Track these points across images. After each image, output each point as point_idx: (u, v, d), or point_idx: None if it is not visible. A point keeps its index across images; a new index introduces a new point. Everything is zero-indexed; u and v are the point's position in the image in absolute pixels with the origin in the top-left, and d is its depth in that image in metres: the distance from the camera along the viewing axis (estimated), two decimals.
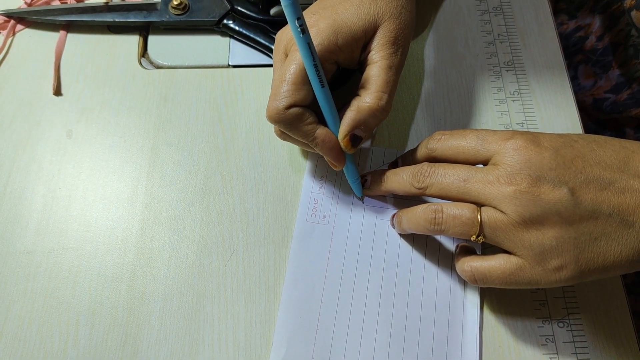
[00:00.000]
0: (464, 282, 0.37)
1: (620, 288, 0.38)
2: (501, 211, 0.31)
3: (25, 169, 0.42)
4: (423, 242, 0.39)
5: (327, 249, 0.39)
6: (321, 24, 0.34)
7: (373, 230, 0.39)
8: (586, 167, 0.31)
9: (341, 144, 0.35)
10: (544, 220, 0.30)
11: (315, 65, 0.32)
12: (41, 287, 0.38)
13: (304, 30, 0.30)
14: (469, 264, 0.33)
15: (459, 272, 0.35)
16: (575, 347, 0.36)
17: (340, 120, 0.35)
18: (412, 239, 0.39)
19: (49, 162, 0.42)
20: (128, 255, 0.39)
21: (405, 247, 0.39)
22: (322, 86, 0.33)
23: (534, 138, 0.32)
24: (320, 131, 0.34)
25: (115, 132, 0.44)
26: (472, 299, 0.37)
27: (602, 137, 0.33)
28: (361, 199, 0.40)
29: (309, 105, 0.34)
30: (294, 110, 0.33)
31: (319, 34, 0.34)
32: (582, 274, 0.30)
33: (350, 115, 0.34)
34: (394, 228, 0.39)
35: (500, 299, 0.37)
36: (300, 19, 0.30)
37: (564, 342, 0.36)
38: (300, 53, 0.32)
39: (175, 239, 0.39)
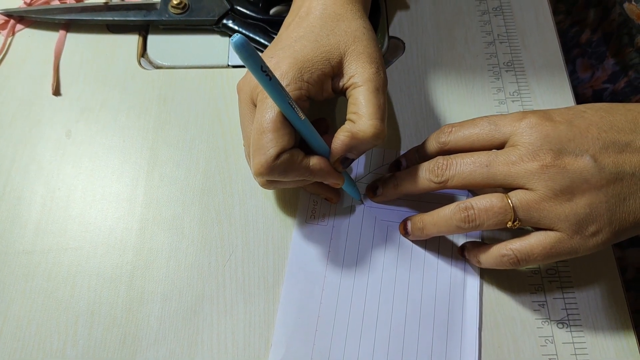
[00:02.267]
0: (463, 283, 0.37)
1: (620, 286, 0.38)
2: (530, 189, 0.32)
3: (24, 169, 0.42)
4: (422, 242, 0.39)
5: (327, 249, 0.39)
6: (283, 65, 0.33)
7: (372, 231, 0.39)
8: (601, 134, 0.32)
9: (332, 165, 0.35)
10: (574, 189, 0.31)
11: (290, 104, 0.31)
12: (40, 287, 0.38)
13: (270, 75, 0.29)
14: (509, 248, 0.33)
15: (493, 260, 0.34)
16: (575, 348, 0.36)
17: (331, 141, 0.34)
18: (412, 240, 0.39)
19: (48, 162, 0.42)
20: (127, 256, 0.39)
21: (404, 247, 0.39)
22: (302, 118, 0.32)
23: (545, 114, 0.34)
24: (314, 162, 0.33)
25: (115, 132, 0.44)
26: (472, 299, 0.37)
27: (606, 104, 0.34)
28: (360, 201, 0.40)
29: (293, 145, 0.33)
30: (284, 156, 0.32)
31: (283, 75, 0.33)
32: (617, 235, 0.32)
33: (343, 140, 0.33)
34: (407, 235, 0.38)
35: (500, 299, 0.37)
36: (263, 65, 0.28)
37: (563, 342, 0.36)
38: (272, 98, 0.31)
39: (175, 239, 0.39)
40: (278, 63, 0.33)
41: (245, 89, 0.35)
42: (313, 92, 0.34)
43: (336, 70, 0.34)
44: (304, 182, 0.35)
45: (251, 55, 0.27)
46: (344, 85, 0.35)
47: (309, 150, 0.34)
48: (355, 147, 0.33)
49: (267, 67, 0.28)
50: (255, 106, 0.34)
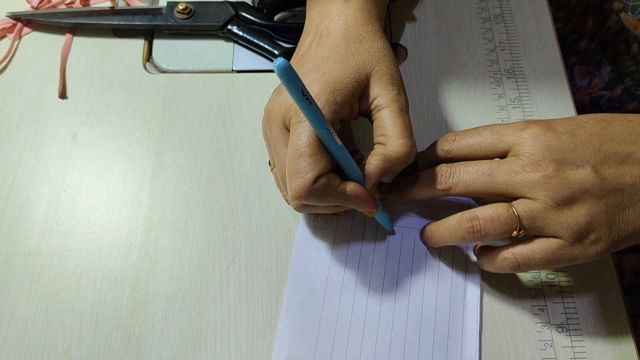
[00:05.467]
0: (464, 287, 0.38)
1: (618, 291, 0.38)
2: (532, 199, 0.32)
3: (30, 171, 0.42)
4: (423, 247, 0.39)
5: (329, 253, 0.39)
6: (314, 87, 0.33)
7: (375, 235, 0.40)
8: (602, 145, 0.33)
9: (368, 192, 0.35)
10: (575, 199, 0.32)
11: (327, 128, 0.31)
12: (45, 288, 0.38)
13: (310, 100, 0.29)
14: (510, 252, 0.34)
15: (495, 264, 0.35)
16: (574, 352, 0.36)
17: (364, 168, 0.34)
18: (414, 243, 0.39)
19: (54, 165, 0.43)
20: (132, 258, 0.39)
21: (406, 252, 0.39)
22: (339, 144, 0.32)
23: (547, 124, 0.34)
24: (350, 187, 0.33)
25: (120, 135, 0.44)
26: (472, 302, 0.37)
27: (607, 114, 0.35)
28: (392, 232, 0.40)
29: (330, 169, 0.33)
30: (322, 180, 0.32)
31: (317, 98, 0.33)
32: (616, 244, 0.32)
33: (377, 165, 0.33)
34: (425, 243, 0.39)
35: (500, 303, 0.38)
36: (304, 89, 0.28)
37: (562, 346, 0.36)
38: (310, 122, 0.31)
39: (179, 241, 0.40)
40: (309, 85, 0.33)
41: (276, 112, 0.34)
42: (344, 114, 0.34)
43: (363, 91, 0.35)
44: (338, 209, 0.35)
45: (293, 79, 0.27)
46: (367, 107, 0.35)
47: (342, 177, 0.34)
48: (390, 169, 0.33)
49: (308, 92, 0.28)
50: (288, 130, 0.34)
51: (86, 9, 0.49)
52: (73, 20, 0.48)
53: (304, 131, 0.32)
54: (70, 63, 0.48)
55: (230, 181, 0.42)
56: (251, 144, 0.43)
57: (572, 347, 0.36)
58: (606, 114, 0.35)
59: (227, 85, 0.46)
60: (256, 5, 0.49)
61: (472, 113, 0.45)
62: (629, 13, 0.49)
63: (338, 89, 0.33)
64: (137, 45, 0.49)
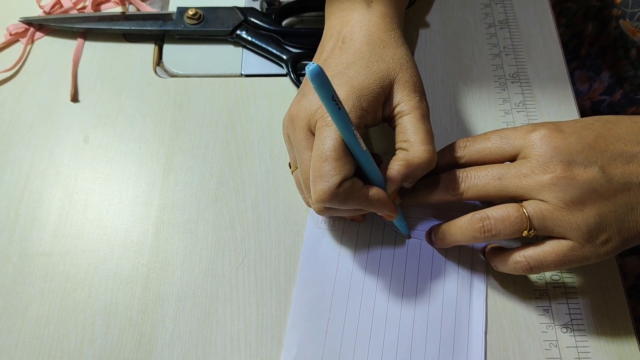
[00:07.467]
0: (470, 287, 0.38)
1: (622, 293, 0.39)
2: (542, 200, 0.33)
3: (43, 174, 0.43)
4: (430, 248, 0.40)
5: (337, 254, 0.40)
6: (341, 92, 0.33)
7: (381, 237, 0.40)
8: (609, 145, 0.33)
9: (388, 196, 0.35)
10: (584, 200, 0.32)
11: (354, 133, 0.31)
12: (58, 287, 0.39)
13: (339, 105, 0.29)
14: (522, 254, 0.34)
15: (507, 266, 0.35)
16: (579, 352, 0.37)
17: (386, 173, 0.34)
18: (420, 244, 0.40)
19: (66, 167, 0.44)
20: (143, 258, 0.40)
21: (413, 252, 0.40)
22: (364, 149, 0.32)
23: (554, 126, 0.34)
24: (373, 192, 0.34)
25: (131, 138, 0.45)
26: (478, 303, 0.38)
27: (612, 116, 0.35)
28: (408, 236, 0.40)
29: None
30: (346, 184, 0.32)
31: (344, 102, 0.33)
32: (625, 243, 0.33)
33: (399, 170, 0.33)
34: (432, 244, 0.39)
35: (505, 304, 0.38)
36: (334, 95, 0.28)
37: (567, 347, 0.37)
38: (337, 126, 0.31)
39: (189, 242, 0.40)
40: (335, 90, 0.34)
41: (302, 115, 0.35)
42: (369, 120, 0.35)
43: (387, 97, 0.35)
44: (359, 212, 0.36)
45: (325, 84, 0.28)
46: (390, 113, 0.35)
47: (363, 180, 0.34)
48: (411, 175, 0.34)
49: (338, 97, 0.29)
50: (312, 133, 0.34)
51: (97, 14, 0.50)
52: (84, 25, 0.49)
53: (329, 135, 0.32)
54: (82, 67, 0.48)
55: (240, 183, 0.43)
56: (260, 147, 0.44)
57: (577, 347, 0.37)
58: (611, 116, 0.35)
59: (236, 89, 0.47)
60: (265, 10, 0.50)
61: (477, 117, 0.46)
62: (627, 20, 0.50)
63: (364, 94, 0.34)
64: (148, 49, 0.50)
